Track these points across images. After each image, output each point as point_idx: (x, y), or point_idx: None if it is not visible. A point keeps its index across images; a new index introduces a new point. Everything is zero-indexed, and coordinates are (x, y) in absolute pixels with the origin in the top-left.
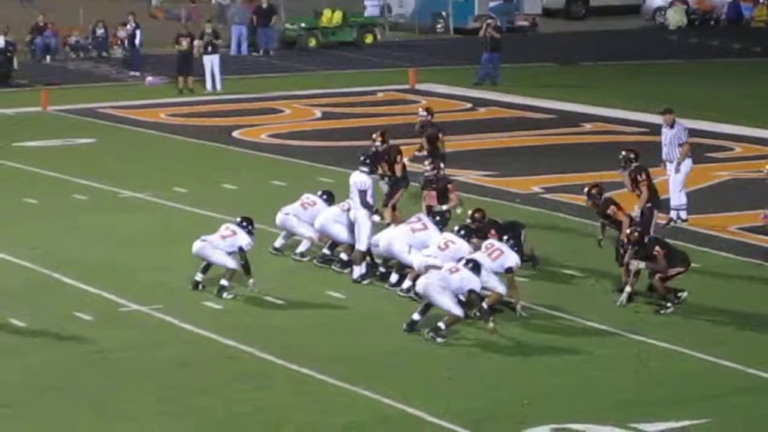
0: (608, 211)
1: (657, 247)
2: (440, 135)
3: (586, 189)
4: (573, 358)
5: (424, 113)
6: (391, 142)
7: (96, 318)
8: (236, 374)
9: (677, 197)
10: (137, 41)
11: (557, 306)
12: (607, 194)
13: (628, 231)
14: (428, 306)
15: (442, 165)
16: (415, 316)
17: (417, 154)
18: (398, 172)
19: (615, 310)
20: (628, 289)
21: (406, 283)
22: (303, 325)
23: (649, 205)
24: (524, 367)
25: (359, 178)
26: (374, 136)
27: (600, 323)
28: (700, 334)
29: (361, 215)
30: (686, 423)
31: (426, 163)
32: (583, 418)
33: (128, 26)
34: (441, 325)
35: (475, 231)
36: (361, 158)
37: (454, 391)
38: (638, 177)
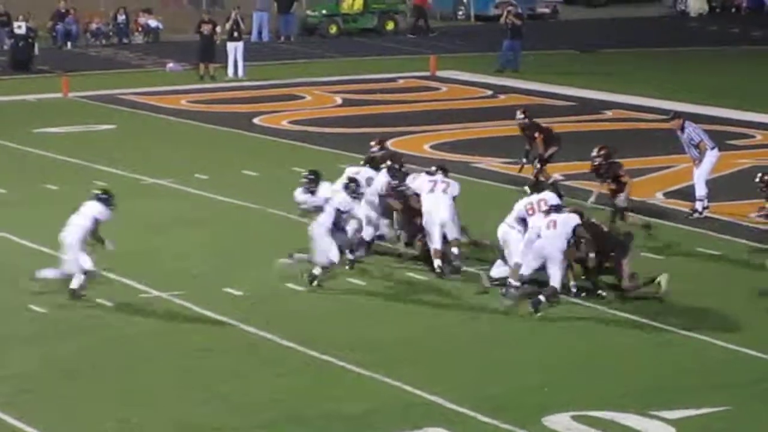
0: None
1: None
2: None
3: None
4: (593, 345)
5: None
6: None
7: (117, 304)
8: (257, 361)
9: (701, 188)
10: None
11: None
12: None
13: None
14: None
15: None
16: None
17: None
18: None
19: (636, 297)
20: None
21: (495, 272)
22: (323, 312)
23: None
24: (544, 355)
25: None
26: (372, 143)
27: (621, 311)
28: (720, 322)
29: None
30: (706, 411)
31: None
32: (604, 406)
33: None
34: (541, 297)
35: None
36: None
37: (474, 378)
38: (619, 172)
